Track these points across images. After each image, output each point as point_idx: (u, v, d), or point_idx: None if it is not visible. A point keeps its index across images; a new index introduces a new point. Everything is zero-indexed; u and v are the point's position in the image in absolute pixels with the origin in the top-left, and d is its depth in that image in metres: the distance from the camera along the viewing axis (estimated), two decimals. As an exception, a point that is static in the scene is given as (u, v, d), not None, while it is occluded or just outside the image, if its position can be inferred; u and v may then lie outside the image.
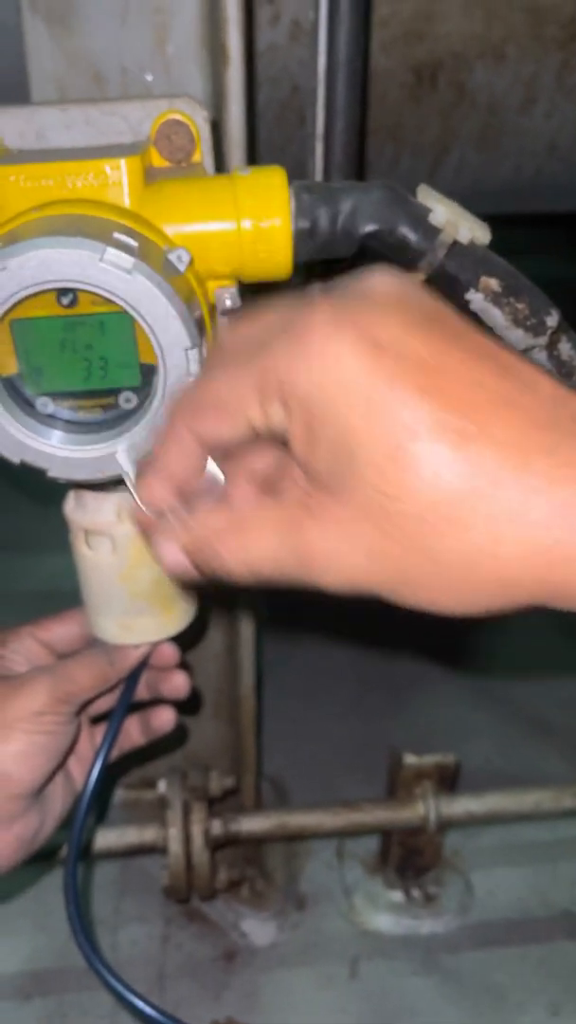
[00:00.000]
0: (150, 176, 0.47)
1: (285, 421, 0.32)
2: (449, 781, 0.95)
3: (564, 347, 0.54)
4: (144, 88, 0.65)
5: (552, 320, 0.53)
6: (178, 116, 0.49)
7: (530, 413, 0.30)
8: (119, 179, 0.45)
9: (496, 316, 0.52)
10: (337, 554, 0.32)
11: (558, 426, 0.29)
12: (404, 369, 0.30)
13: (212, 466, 0.37)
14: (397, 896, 1.03)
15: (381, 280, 0.33)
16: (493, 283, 0.51)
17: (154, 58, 0.65)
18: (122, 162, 0.45)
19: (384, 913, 1.02)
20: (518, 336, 0.53)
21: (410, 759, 0.93)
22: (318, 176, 0.69)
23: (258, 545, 0.34)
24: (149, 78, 0.66)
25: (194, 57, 0.65)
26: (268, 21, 0.78)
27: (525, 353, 0.54)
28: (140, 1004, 0.59)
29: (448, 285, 0.51)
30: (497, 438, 0.29)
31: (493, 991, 0.95)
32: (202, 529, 0.36)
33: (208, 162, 0.52)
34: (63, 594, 0.64)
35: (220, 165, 0.61)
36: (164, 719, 0.66)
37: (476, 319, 0.53)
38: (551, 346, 0.54)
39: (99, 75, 0.65)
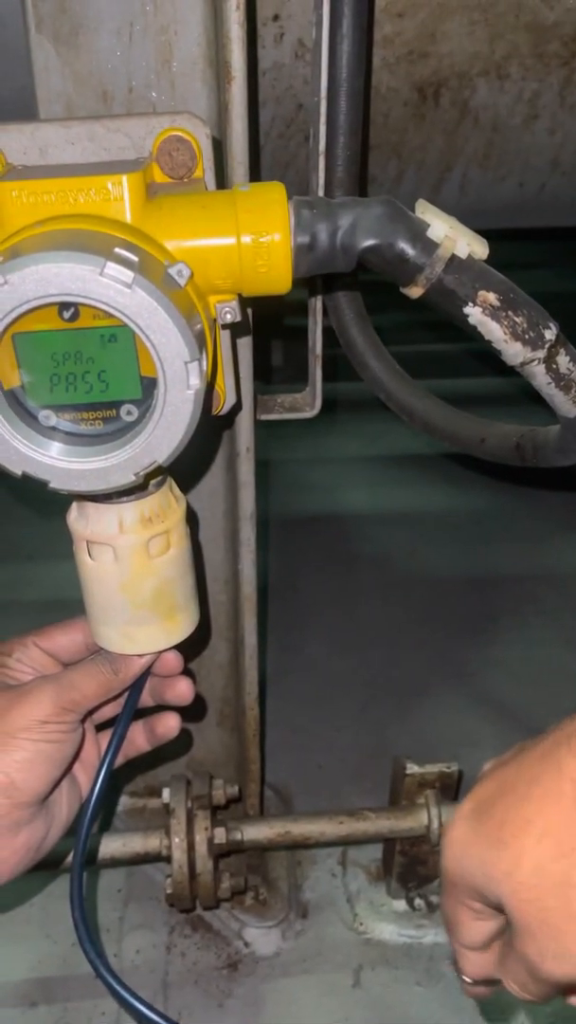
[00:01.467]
0: (152, 192, 0.48)
1: (481, 902, 0.43)
2: (452, 790, 0.95)
3: (562, 360, 0.55)
4: (149, 105, 0.66)
5: (550, 333, 0.54)
6: (180, 133, 0.50)
7: None
8: (120, 195, 0.46)
9: (494, 329, 0.53)
10: (558, 958, 0.39)
11: None
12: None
13: None
14: (400, 905, 1.03)
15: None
16: (491, 297, 0.52)
17: (160, 76, 0.66)
18: (124, 178, 0.46)
19: (387, 922, 1.02)
20: (516, 349, 0.53)
21: (412, 768, 0.93)
22: (320, 192, 0.70)
23: (516, 978, 0.43)
24: (155, 95, 0.67)
25: (199, 74, 0.66)
26: (273, 40, 0.79)
27: (523, 367, 0.54)
28: (145, 1011, 0.60)
29: (446, 299, 0.52)
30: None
31: (496, 1002, 0.95)
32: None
33: (210, 178, 0.53)
34: (68, 603, 0.65)
35: (222, 181, 0.62)
36: (169, 726, 0.67)
37: (475, 332, 0.53)
38: (549, 359, 0.54)
39: (107, 94, 0.66)
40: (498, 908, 0.42)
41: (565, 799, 0.38)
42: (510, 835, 0.39)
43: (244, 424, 0.73)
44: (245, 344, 0.69)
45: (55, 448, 0.47)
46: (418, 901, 1.03)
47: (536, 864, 0.38)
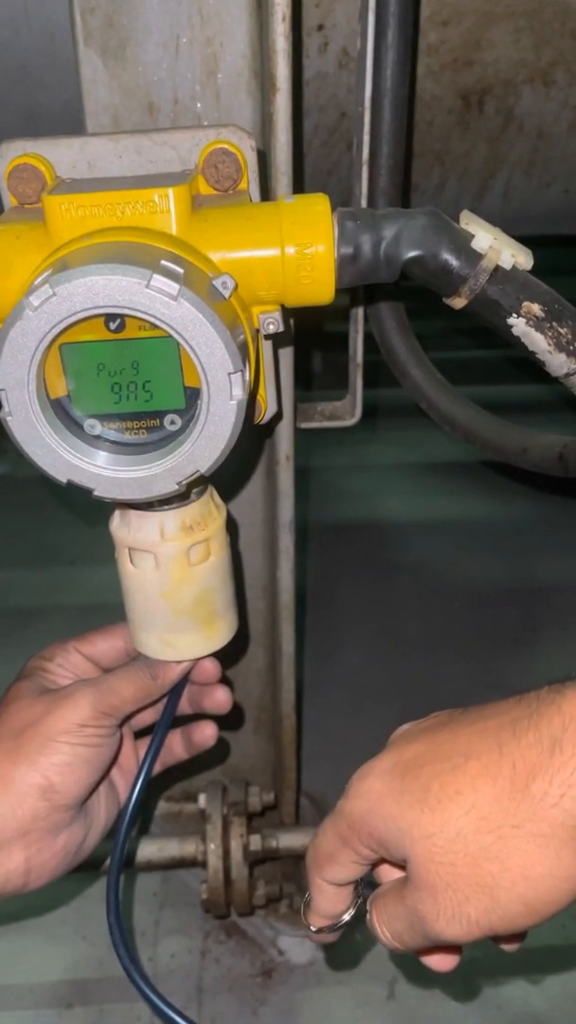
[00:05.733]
0: (197, 204, 0.49)
1: (376, 851, 0.45)
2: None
3: (607, 371, 0.54)
4: (194, 116, 0.67)
5: (595, 345, 0.53)
6: (225, 145, 0.50)
7: (523, 761, 0.40)
8: (167, 207, 0.46)
9: (539, 341, 0.52)
10: (451, 920, 0.41)
11: (551, 755, 0.39)
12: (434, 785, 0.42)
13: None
14: (437, 918, 1.02)
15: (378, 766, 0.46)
16: (535, 308, 0.52)
17: (205, 87, 0.66)
18: (170, 191, 0.46)
19: (423, 935, 1.01)
20: (560, 361, 0.53)
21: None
22: (363, 200, 0.70)
23: (393, 927, 0.45)
24: (199, 106, 0.67)
25: (244, 85, 0.66)
26: (317, 50, 0.79)
27: (567, 378, 0.54)
28: (178, 1019, 0.60)
29: (490, 310, 0.52)
30: (508, 785, 0.40)
31: (532, 1017, 0.94)
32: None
33: (254, 189, 0.53)
34: (108, 607, 0.65)
35: (266, 192, 0.63)
36: (206, 734, 0.67)
37: (519, 343, 0.53)
38: (594, 370, 0.54)
39: (152, 105, 0.67)
40: (395, 861, 0.44)
41: (501, 779, 0.40)
42: (436, 800, 0.41)
43: (284, 433, 0.73)
44: (286, 353, 0.69)
45: (100, 457, 0.48)
46: (454, 914, 1.02)
47: (458, 833, 0.40)
